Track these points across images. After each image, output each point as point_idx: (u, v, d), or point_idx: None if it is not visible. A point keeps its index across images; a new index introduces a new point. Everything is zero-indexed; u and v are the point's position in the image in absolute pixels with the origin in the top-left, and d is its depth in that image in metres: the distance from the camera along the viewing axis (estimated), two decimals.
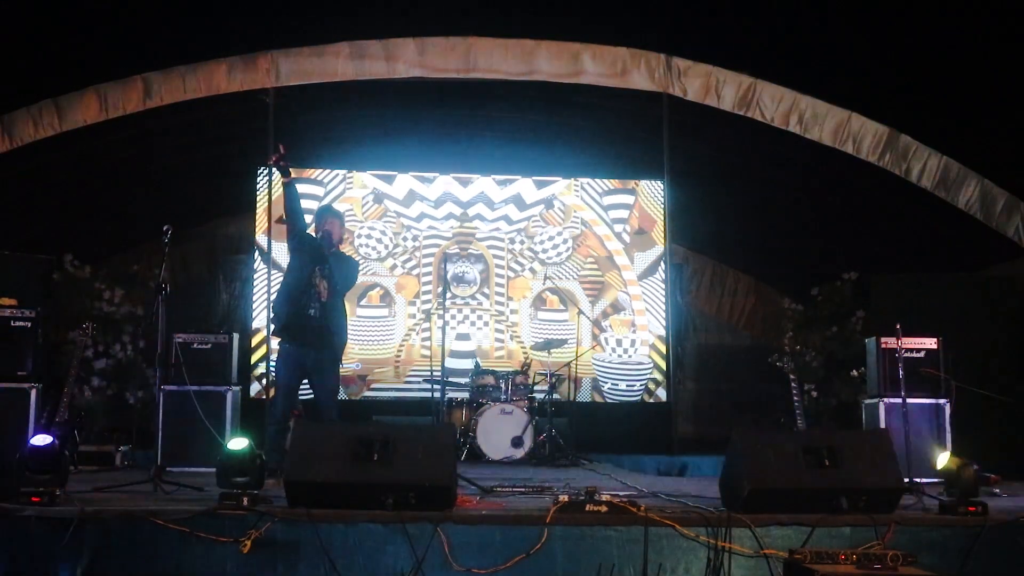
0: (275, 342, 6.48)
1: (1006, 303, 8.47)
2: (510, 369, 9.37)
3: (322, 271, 6.04)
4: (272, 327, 6.33)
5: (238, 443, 4.39)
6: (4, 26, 7.97)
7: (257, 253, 10.36)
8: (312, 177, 10.69)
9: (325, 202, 10.57)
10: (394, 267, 10.66)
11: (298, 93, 9.10)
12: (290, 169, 6.11)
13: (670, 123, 9.21)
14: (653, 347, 10.66)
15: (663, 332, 10.47)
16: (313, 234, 6.27)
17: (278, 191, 10.47)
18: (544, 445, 8.40)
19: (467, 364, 9.66)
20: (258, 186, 10.37)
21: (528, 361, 9.31)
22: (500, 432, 8.32)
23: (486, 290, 10.71)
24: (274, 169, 6.32)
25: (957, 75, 8.30)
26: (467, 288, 10.60)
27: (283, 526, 4.09)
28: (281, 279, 6.57)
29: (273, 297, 6.75)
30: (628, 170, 10.89)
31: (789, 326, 10.35)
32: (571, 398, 9.95)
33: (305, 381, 6.21)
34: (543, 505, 4.48)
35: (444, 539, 4.07)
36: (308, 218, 6.46)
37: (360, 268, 7.22)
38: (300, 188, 10.38)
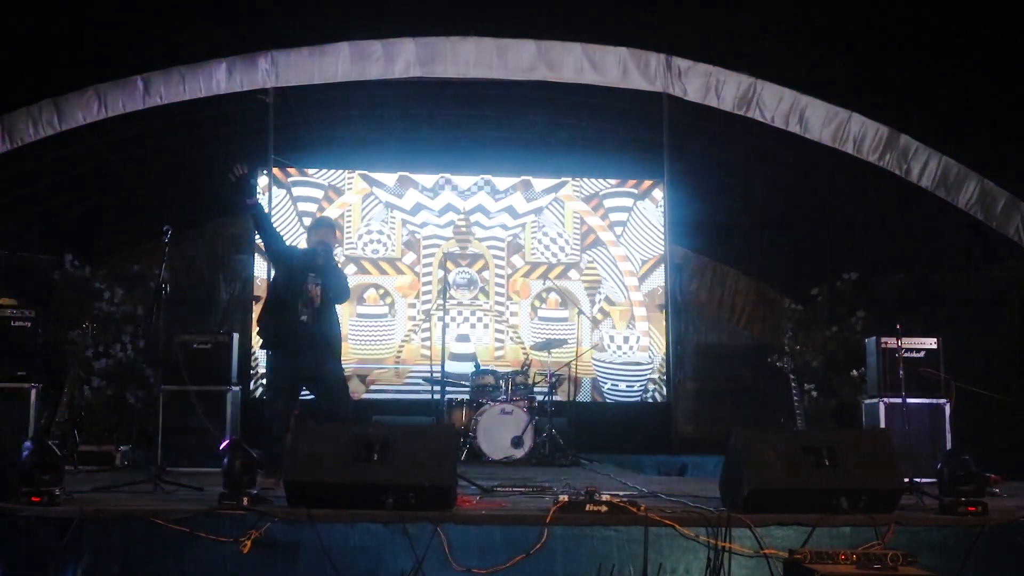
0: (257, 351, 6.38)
1: (1006, 303, 8.47)
2: (510, 369, 9.37)
3: (316, 279, 5.96)
4: (261, 341, 6.20)
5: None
6: (4, 26, 7.96)
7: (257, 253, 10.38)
8: (311, 178, 10.70)
9: (323, 199, 10.59)
10: (394, 267, 10.66)
11: (298, 93, 9.10)
12: (257, 190, 6.02)
13: (670, 123, 9.21)
14: (653, 347, 10.66)
15: (663, 332, 10.47)
16: (307, 245, 6.25)
17: (276, 191, 10.50)
18: (544, 445, 8.40)
19: (466, 368, 9.61)
20: (258, 187, 10.38)
21: (528, 361, 9.31)
22: (500, 432, 8.32)
23: (486, 290, 10.71)
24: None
25: (957, 75, 8.29)
26: (468, 292, 10.59)
27: (283, 526, 4.09)
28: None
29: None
30: (628, 170, 10.89)
31: (789, 326, 10.35)
32: (571, 398, 9.94)
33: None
34: (543, 505, 4.48)
35: (444, 539, 4.07)
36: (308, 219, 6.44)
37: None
38: (299, 191, 10.51)
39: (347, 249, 10.55)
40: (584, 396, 10.48)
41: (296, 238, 10.55)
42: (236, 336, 7.60)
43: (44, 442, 4.41)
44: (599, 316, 10.70)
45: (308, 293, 5.91)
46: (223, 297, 11.00)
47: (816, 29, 8.66)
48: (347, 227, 10.63)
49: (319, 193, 10.66)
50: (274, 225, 6.62)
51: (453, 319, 10.51)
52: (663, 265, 10.55)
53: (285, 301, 5.96)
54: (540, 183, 10.90)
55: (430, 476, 4.26)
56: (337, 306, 6.20)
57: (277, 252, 6.21)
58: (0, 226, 8.92)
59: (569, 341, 10.17)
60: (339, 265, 6.66)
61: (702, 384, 11.44)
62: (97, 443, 7.54)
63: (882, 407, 7.06)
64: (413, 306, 10.61)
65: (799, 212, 10.56)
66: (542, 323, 10.69)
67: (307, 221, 10.49)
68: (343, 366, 6.39)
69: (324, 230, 6.28)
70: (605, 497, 4.31)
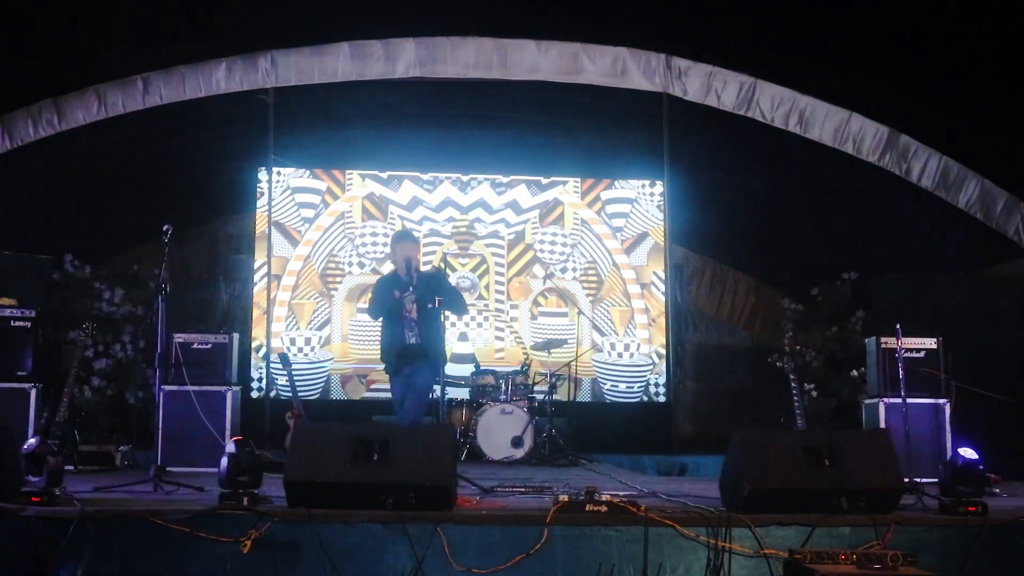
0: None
1: (1006, 303, 8.46)
2: (510, 369, 9.37)
3: (410, 296, 6.57)
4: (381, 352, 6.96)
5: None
6: (4, 26, 7.97)
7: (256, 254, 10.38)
8: (312, 178, 10.70)
9: (324, 198, 10.59)
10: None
11: (298, 93, 9.10)
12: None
13: (670, 123, 9.21)
14: (653, 347, 10.66)
15: (663, 332, 10.47)
16: (391, 259, 6.91)
17: (278, 192, 10.52)
18: (544, 445, 8.40)
19: (465, 371, 9.60)
20: (258, 186, 10.38)
21: (528, 361, 9.30)
22: (500, 432, 8.32)
23: (486, 290, 10.71)
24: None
25: (957, 75, 8.30)
26: (470, 297, 10.58)
27: (283, 526, 4.09)
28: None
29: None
30: (628, 170, 10.89)
31: (789, 326, 10.35)
32: (571, 398, 9.93)
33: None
34: (543, 505, 4.48)
35: (444, 539, 4.07)
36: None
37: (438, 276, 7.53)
38: (298, 182, 10.50)
39: (347, 249, 10.55)
40: (584, 396, 10.47)
41: (299, 237, 10.56)
42: (236, 336, 7.60)
43: (44, 442, 4.41)
44: (589, 291, 10.68)
45: (407, 312, 6.56)
46: (223, 297, 11.01)
47: (816, 29, 8.68)
48: (347, 227, 10.62)
49: (321, 185, 10.65)
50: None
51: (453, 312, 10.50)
52: (663, 265, 10.52)
53: (395, 325, 6.72)
54: (540, 183, 10.90)
55: (430, 476, 4.26)
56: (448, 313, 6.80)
57: (380, 312, 6.89)
58: (0, 226, 8.91)
59: (569, 341, 10.17)
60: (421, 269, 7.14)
61: (702, 384, 11.44)
62: (97, 443, 7.53)
63: (882, 407, 7.06)
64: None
65: (799, 212, 10.56)
66: (542, 323, 10.68)
67: (308, 214, 10.52)
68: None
69: (407, 244, 6.82)
70: (605, 497, 4.31)
